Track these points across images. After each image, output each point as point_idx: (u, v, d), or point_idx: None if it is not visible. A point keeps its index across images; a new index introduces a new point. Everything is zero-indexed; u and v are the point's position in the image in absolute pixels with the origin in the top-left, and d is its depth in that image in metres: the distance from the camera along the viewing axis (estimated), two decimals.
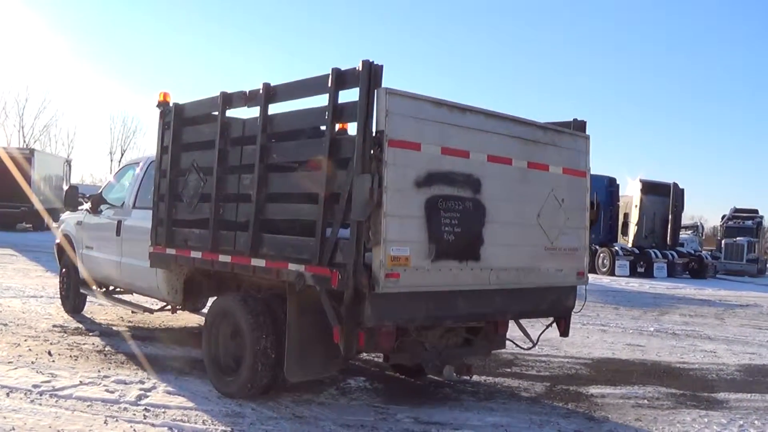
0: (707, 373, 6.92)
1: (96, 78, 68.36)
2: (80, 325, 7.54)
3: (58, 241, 8.77)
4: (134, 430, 4.12)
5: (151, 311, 6.80)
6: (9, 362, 5.56)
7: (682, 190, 24.30)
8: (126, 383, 5.15)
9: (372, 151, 3.99)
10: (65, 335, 6.92)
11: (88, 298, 8.28)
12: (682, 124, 75.67)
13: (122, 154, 49.40)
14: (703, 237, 33.06)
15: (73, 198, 7.87)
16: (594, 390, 5.94)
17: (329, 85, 4.28)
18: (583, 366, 7.03)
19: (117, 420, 4.27)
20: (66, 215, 8.93)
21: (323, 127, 4.43)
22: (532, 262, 4.96)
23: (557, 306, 5.33)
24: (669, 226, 23.21)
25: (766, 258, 28.02)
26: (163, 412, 4.50)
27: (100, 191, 7.97)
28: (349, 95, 4.26)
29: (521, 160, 4.87)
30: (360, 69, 4.06)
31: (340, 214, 4.13)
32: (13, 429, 3.98)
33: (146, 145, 48.40)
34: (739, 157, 78.75)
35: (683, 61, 71.05)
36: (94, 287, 7.78)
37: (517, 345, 5.26)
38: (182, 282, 6.28)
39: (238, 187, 5.11)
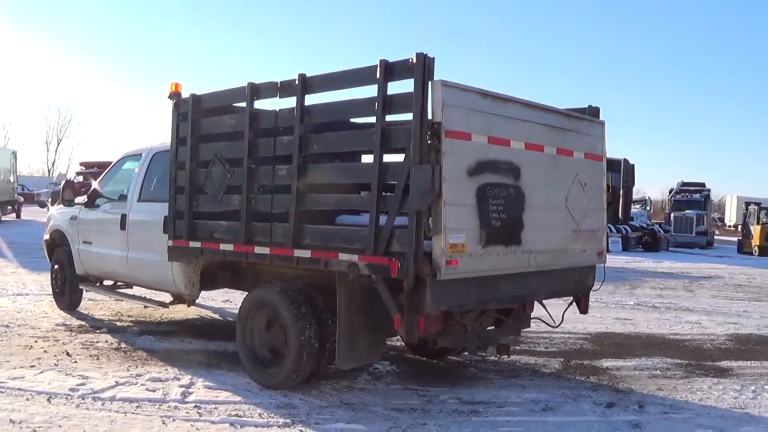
0: (701, 343, 7.35)
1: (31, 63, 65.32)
2: (83, 323, 7.34)
3: (46, 237, 8.48)
4: (196, 428, 4.11)
5: (166, 305, 6.70)
6: (32, 366, 5.40)
7: (633, 165, 25.31)
8: (162, 380, 5.09)
9: (430, 142, 4.07)
10: (73, 334, 6.74)
11: (85, 294, 8.06)
12: (622, 98, 78.10)
13: (58, 143, 47.36)
14: (651, 211, 34.55)
15: (70, 193, 7.60)
16: (607, 363, 6.24)
17: (378, 76, 4.32)
18: (584, 341, 7.35)
19: (174, 420, 4.24)
20: (55, 210, 8.62)
21: (371, 119, 4.47)
22: (562, 243, 5.18)
23: (580, 285, 5.57)
24: (621, 201, 24.14)
25: (713, 230, 29.53)
26: (215, 408, 4.50)
27: (95, 185, 7.74)
28: (397, 87, 4.32)
29: (551, 146, 5.05)
30: (414, 61, 4.12)
31: (396, 204, 4.20)
32: None
33: (83, 134, 46.70)
34: (671, 132, 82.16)
35: (625, 31, 72.96)
36: (97, 283, 7.61)
37: (546, 323, 5.47)
38: (199, 275, 6.23)
39: (272, 178, 5.10)
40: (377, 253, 4.27)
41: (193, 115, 5.72)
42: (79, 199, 7.81)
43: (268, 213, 5.14)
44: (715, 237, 30.50)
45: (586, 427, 4.40)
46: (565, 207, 5.18)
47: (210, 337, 6.85)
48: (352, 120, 5.19)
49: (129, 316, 7.97)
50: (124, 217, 6.87)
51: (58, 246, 8.27)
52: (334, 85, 4.75)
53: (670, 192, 30.13)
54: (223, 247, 5.39)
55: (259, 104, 5.32)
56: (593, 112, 5.73)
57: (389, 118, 4.41)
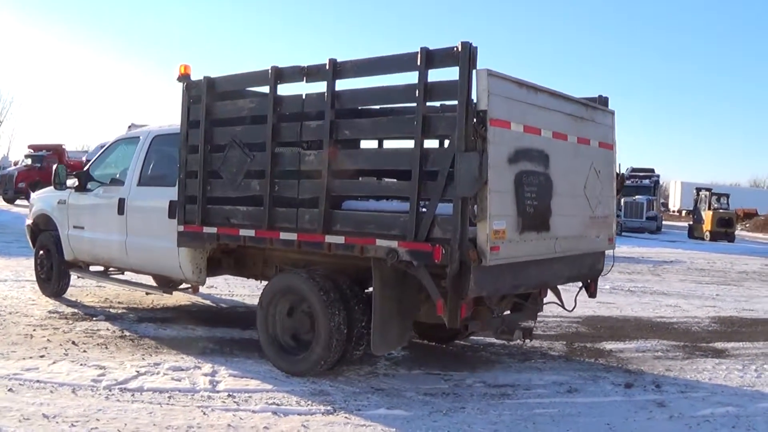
0: (689, 326, 7.70)
1: None
2: (75, 310, 7.09)
3: (29, 222, 8.12)
4: (240, 417, 4.05)
5: (170, 292, 6.55)
6: (41, 356, 5.19)
7: None
8: (183, 369, 4.99)
9: (476, 130, 4.10)
10: (70, 322, 6.51)
11: (74, 281, 7.79)
12: (568, 81, 79.46)
13: None
14: None
15: (63, 177, 7.29)
16: (609, 346, 6.48)
17: (418, 63, 4.31)
18: (578, 324, 7.58)
19: (213, 410, 4.16)
20: (40, 194, 8.27)
21: (409, 104, 4.46)
22: (581, 230, 5.32)
23: (593, 270, 5.75)
24: None
25: (662, 215, 30.73)
26: (249, 397, 4.45)
27: (86, 168, 7.45)
28: (437, 74, 4.33)
29: (573, 135, 5.16)
30: (459, 49, 4.13)
31: (438, 191, 4.23)
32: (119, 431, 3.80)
33: (22, 115, 44.62)
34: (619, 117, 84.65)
35: (575, 9, 73.91)
36: (89, 269, 7.37)
37: (563, 307, 5.63)
38: (206, 261, 6.12)
39: (298, 164, 5.03)
40: (418, 239, 4.29)
41: (208, 98, 5.57)
42: (69, 183, 7.50)
43: (292, 198, 5.08)
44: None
45: (615, 406, 4.57)
46: (583, 194, 5.32)
47: (211, 323, 6.75)
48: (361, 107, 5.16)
49: (119, 302, 7.74)
50: (122, 201, 6.65)
51: (42, 231, 7.95)
52: (369, 71, 4.72)
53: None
54: (243, 232, 5.29)
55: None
56: (603, 101, 5.88)
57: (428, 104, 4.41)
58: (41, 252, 7.85)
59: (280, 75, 5.10)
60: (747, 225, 36.20)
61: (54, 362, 5.02)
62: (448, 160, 4.18)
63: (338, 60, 4.77)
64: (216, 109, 5.59)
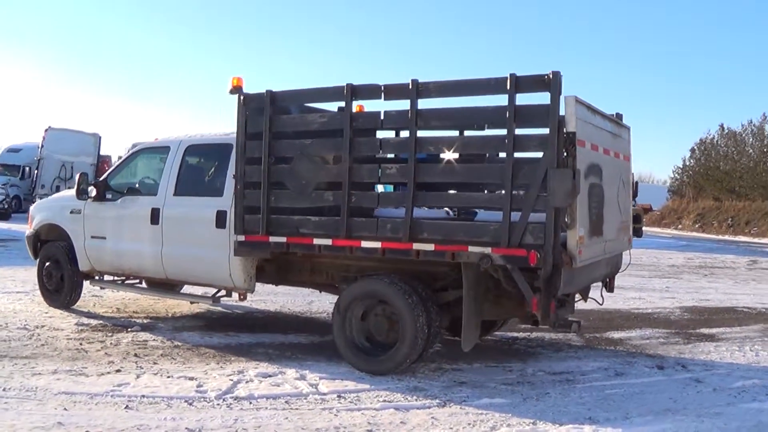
0: (666, 315, 8.70)
1: None
2: (101, 322, 6.97)
3: (30, 232, 7.81)
4: (371, 416, 4.34)
5: (218, 301, 6.62)
6: (117, 371, 5.16)
7: None
8: (272, 375, 5.16)
9: (566, 149, 4.67)
10: (108, 333, 6.42)
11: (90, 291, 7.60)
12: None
13: None
14: None
15: (85, 186, 7.09)
16: (616, 335, 7.30)
17: (508, 87, 4.81)
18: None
19: (338, 411, 4.40)
20: (43, 204, 7.97)
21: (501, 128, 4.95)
22: (616, 233, 6.04)
23: (616, 267, 6.52)
24: None
25: None
26: (357, 397, 4.74)
27: (104, 177, 7.30)
28: (524, 99, 4.85)
29: (612, 150, 5.87)
30: (551, 77, 4.67)
31: (531, 202, 4.75)
32: None
33: None
34: None
35: None
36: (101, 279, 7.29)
37: (597, 302, 6.34)
38: (255, 269, 6.29)
39: (378, 176, 5.37)
40: (512, 245, 4.79)
41: (271, 111, 5.76)
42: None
43: (370, 209, 5.41)
44: None
45: (664, 385, 5.31)
46: (617, 202, 6.05)
47: (247, 329, 6.90)
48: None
49: (135, 311, 7.67)
50: (156, 211, 6.64)
51: (46, 241, 7.70)
52: (452, 93, 5.15)
53: None
54: (318, 241, 5.54)
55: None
56: (619, 117, 6.66)
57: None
58: (47, 263, 7.60)
59: (355, 92, 5.41)
60: (644, 220, 39.55)
61: (137, 377, 5.03)
62: (540, 175, 4.71)
63: (420, 80, 5.16)
64: (281, 122, 5.79)
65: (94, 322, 6.96)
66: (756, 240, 27.13)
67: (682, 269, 14.22)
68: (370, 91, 5.40)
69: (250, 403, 4.53)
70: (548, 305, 4.83)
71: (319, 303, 8.51)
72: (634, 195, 6.79)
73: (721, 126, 37.96)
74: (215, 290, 6.71)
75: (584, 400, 4.83)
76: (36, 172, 21.94)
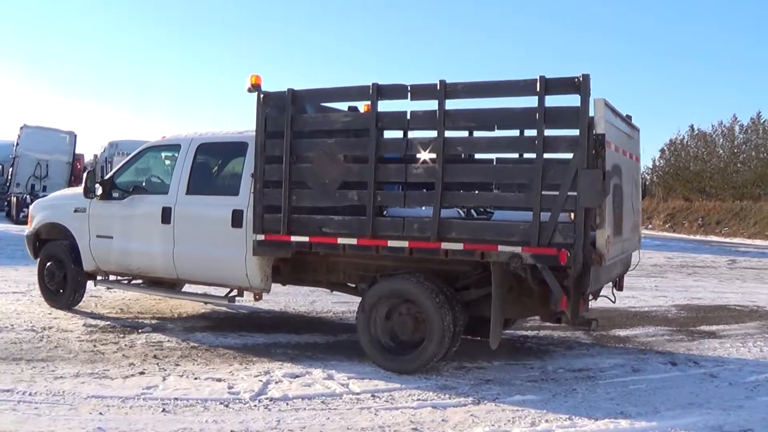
0: (663, 314, 8.86)
1: None
2: (108, 322, 6.85)
3: (30, 232, 7.62)
4: (411, 414, 4.37)
5: (234, 301, 6.55)
6: (141, 373, 5.09)
7: None
8: (300, 376, 5.15)
9: (595, 150, 4.76)
10: (120, 335, 6.31)
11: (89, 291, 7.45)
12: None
13: None
14: None
15: (92, 184, 6.94)
16: (621, 333, 7.44)
17: (537, 89, 4.87)
18: None
19: (375, 410, 4.42)
20: (44, 202, 7.78)
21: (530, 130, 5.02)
22: (630, 233, 6.17)
23: (627, 266, 6.66)
24: None
25: None
26: (391, 396, 4.75)
27: (109, 176, 7.16)
28: (553, 101, 4.92)
29: (628, 151, 6.00)
30: (581, 80, 4.75)
31: (561, 202, 4.82)
32: None
33: None
34: None
35: None
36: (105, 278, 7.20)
37: (610, 299, 6.47)
38: (271, 269, 6.25)
39: (405, 176, 5.39)
40: (542, 244, 4.86)
41: (293, 110, 5.73)
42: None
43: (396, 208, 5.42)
44: None
45: (681, 380, 5.45)
46: (631, 202, 6.17)
47: (260, 329, 6.87)
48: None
49: (140, 312, 7.56)
50: (167, 210, 6.55)
51: (47, 240, 7.54)
52: (481, 94, 5.19)
53: None
54: (343, 241, 5.53)
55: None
56: (629, 118, 6.81)
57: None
58: (49, 263, 7.43)
59: (381, 92, 5.41)
60: None
61: (163, 379, 4.96)
62: (570, 176, 4.79)
63: (448, 81, 5.20)
64: (304, 121, 5.76)
65: (101, 323, 6.84)
66: (728, 240, 27.83)
67: (666, 268, 14.53)
68: (396, 91, 5.41)
69: (287, 404, 4.51)
70: (577, 303, 4.92)
71: (321, 303, 8.49)
72: (643, 195, 6.94)
73: (691, 127, 38.81)
74: (227, 290, 6.65)
75: (611, 396, 4.93)
76: (11, 170, 21.36)
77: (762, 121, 33.94)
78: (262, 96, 5.86)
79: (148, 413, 4.18)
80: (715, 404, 4.76)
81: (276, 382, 4.96)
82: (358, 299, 5.79)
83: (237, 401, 4.51)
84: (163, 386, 4.77)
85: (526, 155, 5.63)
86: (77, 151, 23.28)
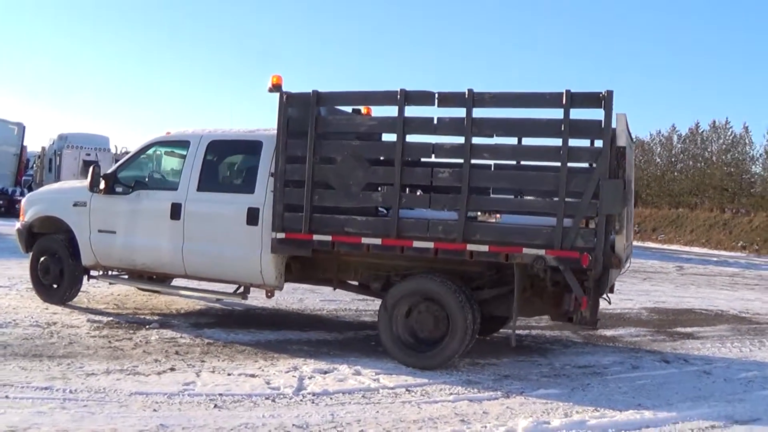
0: (638, 315, 9.32)
1: None
2: (112, 319, 6.75)
3: (22, 224, 7.39)
4: (453, 407, 4.58)
5: (246, 298, 6.57)
6: (171, 369, 5.09)
7: None
8: (328, 372, 5.26)
9: (617, 162, 5.12)
10: (129, 331, 6.24)
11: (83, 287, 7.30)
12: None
13: None
14: None
15: (98, 178, 6.79)
16: (607, 333, 7.87)
17: (563, 102, 5.18)
18: None
19: (417, 404, 4.60)
20: (39, 195, 7.56)
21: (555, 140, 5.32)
22: (630, 236, 6.60)
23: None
24: None
25: None
26: (425, 390, 4.95)
27: (113, 170, 7.04)
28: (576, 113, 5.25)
29: (631, 158, 6.41)
30: (605, 95, 5.09)
31: (584, 208, 5.15)
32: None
33: None
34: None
35: None
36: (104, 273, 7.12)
37: (607, 301, 6.87)
38: (284, 266, 6.33)
39: (431, 179, 5.60)
40: (565, 248, 5.17)
41: (318, 111, 5.84)
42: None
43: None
44: None
45: (680, 376, 5.88)
46: (631, 208, 6.61)
47: (265, 326, 6.94)
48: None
49: (137, 308, 7.48)
50: (177, 206, 6.51)
51: (40, 234, 7.34)
52: (508, 104, 5.46)
53: None
54: (367, 240, 5.68)
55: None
56: None
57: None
58: (43, 258, 7.23)
59: (409, 98, 5.60)
60: None
61: (197, 375, 4.99)
62: (593, 184, 5.12)
63: (475, 90, 5.44)
64: (328, 122, 5.88)
65: (104, 318, 6.73)
66: (665, 246, 29.44)
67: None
68: (424, 98, 5.61)
69: (330, 398, 4.64)
70: (597, 303, 5.26)
71: (309, 301, 8.59)
72: (635, 202, 7.41)
73: None
74: (236, 287, 6.68)
75: (623, 390, 5.29)
76: None
77: (700, 132, 35.88)
78: (285, 96, 5.94)
79: (202, 410, 4.22)
80: (719, 397, 5.20)
81: (309, 378, 5.07)
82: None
83: (281, 396, 4.60)
84: (201, 382, 4.80)
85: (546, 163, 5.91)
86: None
